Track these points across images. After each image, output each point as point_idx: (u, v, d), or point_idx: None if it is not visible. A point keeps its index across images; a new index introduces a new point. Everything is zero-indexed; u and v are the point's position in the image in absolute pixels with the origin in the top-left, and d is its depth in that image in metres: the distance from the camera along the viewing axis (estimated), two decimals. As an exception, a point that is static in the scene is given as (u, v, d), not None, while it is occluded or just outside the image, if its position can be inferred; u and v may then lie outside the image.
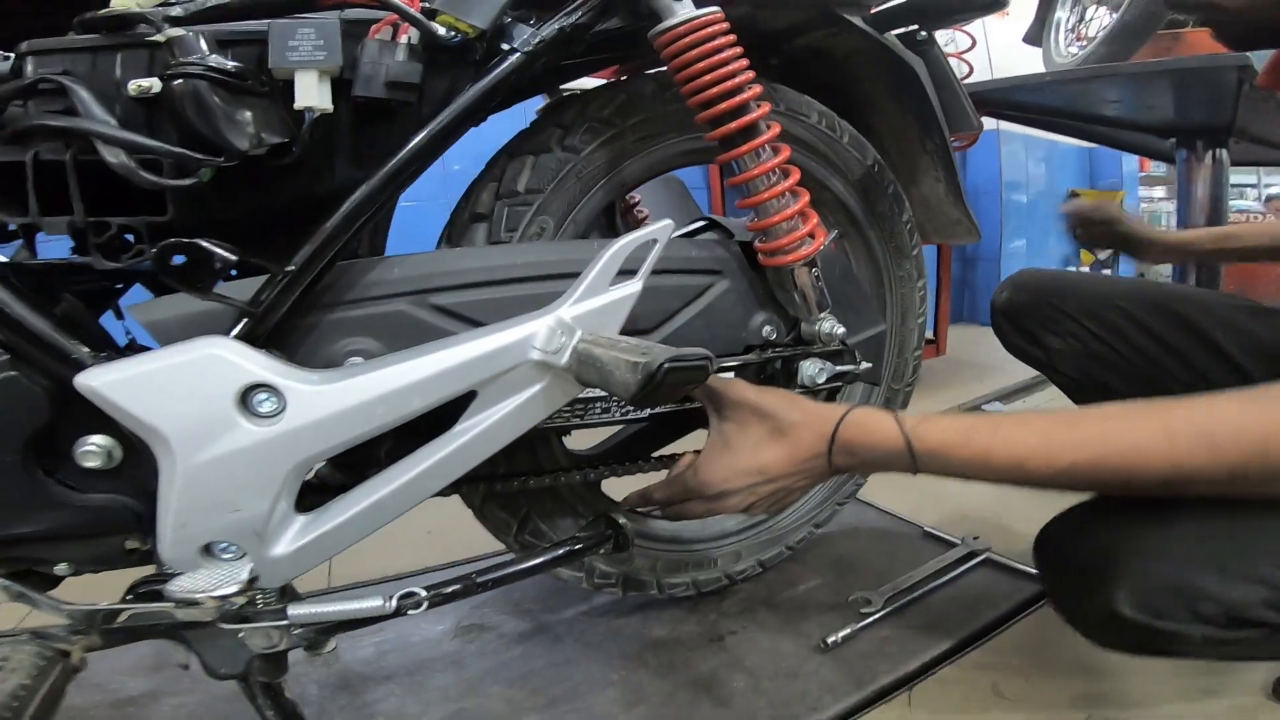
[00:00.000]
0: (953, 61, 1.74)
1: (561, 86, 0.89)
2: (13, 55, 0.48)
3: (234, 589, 0.45)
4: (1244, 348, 0.82)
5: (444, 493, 0.69)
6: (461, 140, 0.58)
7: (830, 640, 0.81)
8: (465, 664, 0.83)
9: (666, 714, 0.73)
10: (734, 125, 0.66)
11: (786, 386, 0.80)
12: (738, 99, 0.65)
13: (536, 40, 0.58)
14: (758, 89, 0.67)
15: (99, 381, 0.44)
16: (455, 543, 1.06)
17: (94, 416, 0.47)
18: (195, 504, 0.46)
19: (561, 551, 0.66)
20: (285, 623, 0.51)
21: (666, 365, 0.44)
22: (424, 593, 0.55)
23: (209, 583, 0.45)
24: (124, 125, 0.48)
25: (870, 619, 0.85)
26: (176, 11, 0.50)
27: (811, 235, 0.74)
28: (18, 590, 0.48)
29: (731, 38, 0.65)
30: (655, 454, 0.81)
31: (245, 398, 0.47)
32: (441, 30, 0.54)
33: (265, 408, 0.47)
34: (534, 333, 0.53)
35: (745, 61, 0.65)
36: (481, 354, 0.52)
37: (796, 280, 0.75)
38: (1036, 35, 1.76)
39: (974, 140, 1.69)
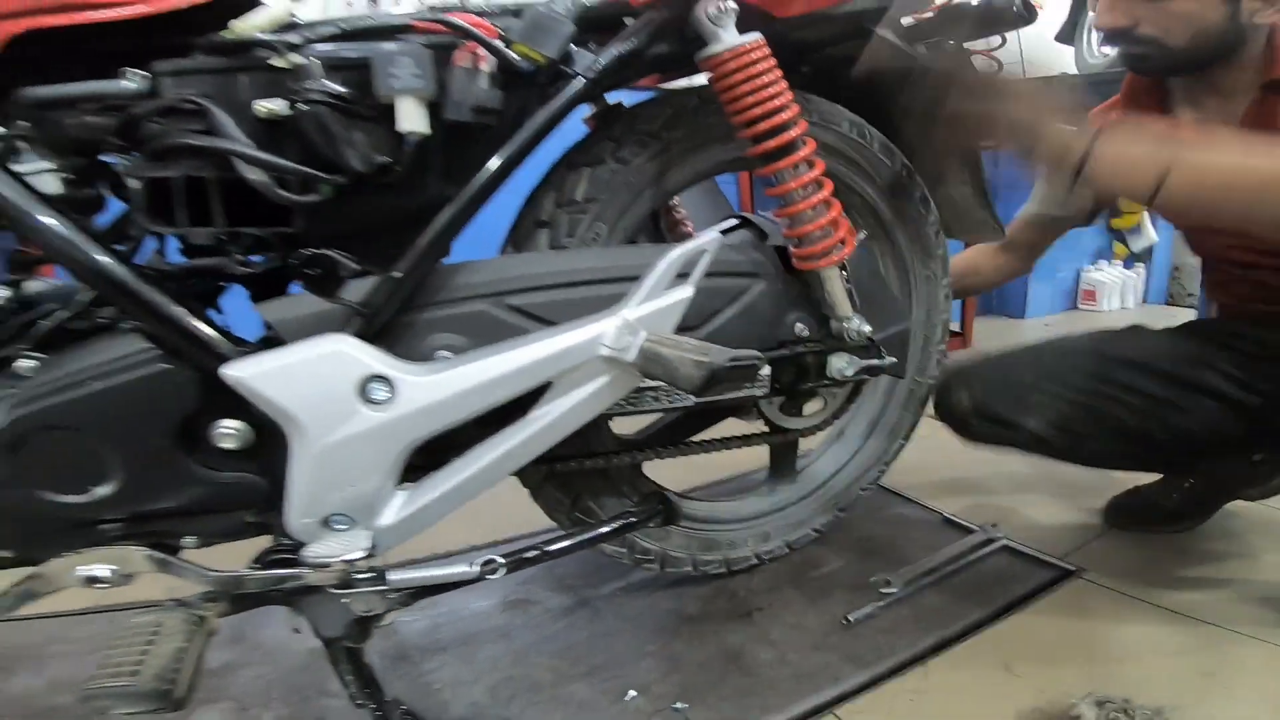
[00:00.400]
0: (981, 59, 1.81)
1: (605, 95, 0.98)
2: (147, 75, 0.57)
3: (359, 554, 0.55)
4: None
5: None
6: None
7: (852, 618, 0.91)
8: (513, 636, 0.93)
9: (699, 681, 0.83)
10: (773, 143, 0.75)
11: (817, 379, 0.89)
12: (777, 119, 0.74)
13: (597, 66, 0.67)
14: (795, 109, 0.76)
15: (245, 372, 0.54)
16: (496, 523, 1.17)
17: (229, 402, 0.57)
18: (322, 481, 0.56)
19: (619, 524, 0.76)
20: (384, 588, 0.61)
21: (728, 365, 0.54)
22: (503, 560, 0.65)
23: (338, 549, 0.56)
24: (255, 145, 0.57)
25: (890, 599, 0.95)
26: (295, 39, 0.59)
27: (842, 242, 0.83)
28: (161, 559, 0.58)
29: (772, 62, 0.73)
30: (693, 439, 0.91)
31: (364, 387, 0.57)
32: (516, 58, 0.64)
33: (378, 396, 0.57)
34: (604, 332, 0.63)
35: (784, 84, 0.74)
36: (559, 350, 0.62)
37: (827, 283, 0.85)
38: (1069, 35, 1.82)
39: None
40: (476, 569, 0.63)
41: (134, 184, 0.56)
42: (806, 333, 0.88)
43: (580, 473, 0.85)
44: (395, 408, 0.57)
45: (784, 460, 1.10)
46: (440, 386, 0.59)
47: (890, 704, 0.79)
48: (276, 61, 0.58)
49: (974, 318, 2.12)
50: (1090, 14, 1.76)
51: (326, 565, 0.54)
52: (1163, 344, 1.02)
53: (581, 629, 0.94)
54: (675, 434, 0.99)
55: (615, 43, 0.69)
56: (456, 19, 0.63)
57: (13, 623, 0.92)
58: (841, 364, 0.90)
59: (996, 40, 1.94)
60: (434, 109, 0.63)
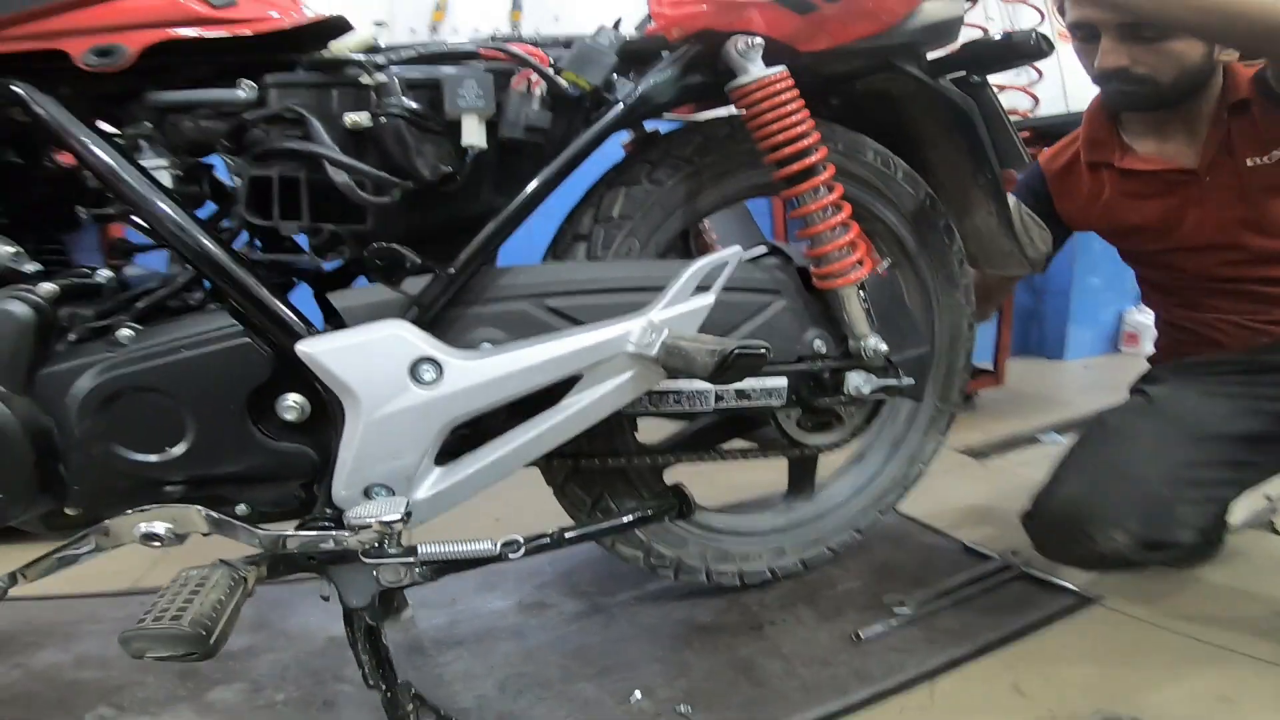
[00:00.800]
0: (1019, 95, 1.89)
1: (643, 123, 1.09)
2: (256, 86, 0.68)
3: (396, 516, 0.63)
4: None
5: (537, 464, 0.88)
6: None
7: (863, 635, 0.96)
8: (527, 635, 1.00)
9: (706, 688, 0.88)
10: (795, 168, 0.84)
11: (834, 395, 0.96)
12: (798, 145, 0.83)
13: (636, 95, 0.77)
14: (816, 136, 0.85)
15: (316, 349, 0.64)
16: (519, 528, 1.24)
17: (296, 378, 0.67)
18: (370, 451, 0.65)
19: (637, 515, 0.83)
20: (413, 560, 0.69)
21: (737, 351, 0.62)
22: (523, 540, 0.73)
23: (377, 510, 0.64)
24: (340, 151, 0.68)
25: (903, 620, 0.99)
26: (380, 59, 0.70)
27: (860, 263, 0.91)
28: (217, 518, 0.66)
29: (795, 93, 0.83)
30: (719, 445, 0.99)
31: (415, 368, 0.66)
32: (565, 84, 0.74)
33: (427, 377, 0.66)
34: (630, 330, 0.71)
35: (806, 113, 0.84)
36: (590, 344, 0.70)
37: (845, 302, 0.92)
38: None
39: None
40: (498, 548, 0.70)
41: (238, 180, 0.67)
42: (825, 349, 0.95)
43: (602, 472, 0.92)
44: (441, 387, 0.66)
45: (802, 478, 1.16)
46: (481, 371, 0.67)
47: (895, 719, 0.83)
48: (364, 79, 0.69)
49: (1007, 357, 2.15)
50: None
51: (367, 525, 0.61)
52: (1221, 405, 1.05)
53: (594, 633, 1.00)
54: (698, 442, 1.06)
55: (653, 73, 0.79)
56: (515, 48, 0.74)
57: (48, 601, 1.02)
58: (858, 382, 0.96)
59: (1034, 74, 2.02)
60: (491, 127, 0.74)
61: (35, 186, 0.72)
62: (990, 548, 1.19)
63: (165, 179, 0.70)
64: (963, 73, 1.07)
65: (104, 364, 0.62)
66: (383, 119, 0.68)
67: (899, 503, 1.20)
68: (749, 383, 0.89)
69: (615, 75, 0.79)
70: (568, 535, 0.78)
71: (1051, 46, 0.95)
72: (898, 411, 1.23)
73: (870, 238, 1.14)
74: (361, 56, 0.69)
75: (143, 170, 0.64)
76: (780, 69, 0.82)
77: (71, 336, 0.64)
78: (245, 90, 0.68)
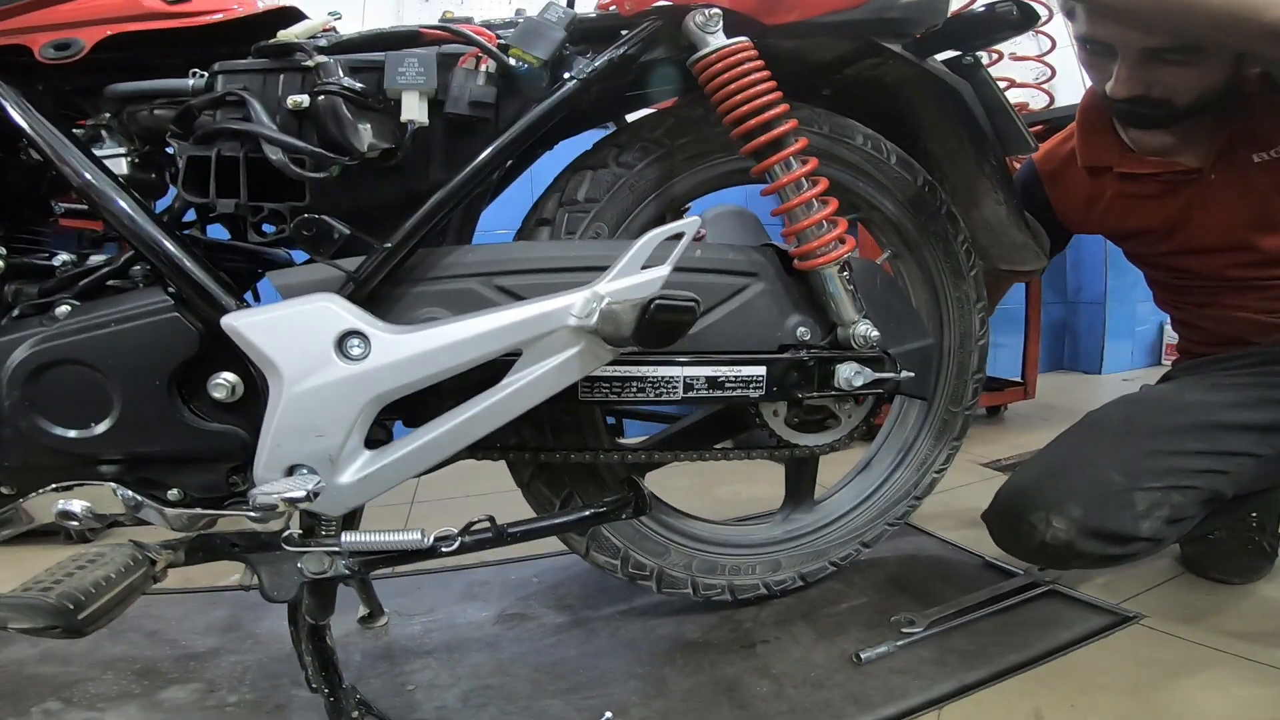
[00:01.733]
0: (1033, 92, 1.80)
1: (627, 117, 1.06)
2: (206, 74, 0.69)
3: (301, 494, 0.59)
4: None
5: (494, 457, 0.83)
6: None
7: (864, 655, 0.85)
8: (501, 647, 0.93)
9: (684, 709, 0.80)
10: (762, 139, 0.79)
11: (823, 389, 0.88)
12: (764, 115, 0.78)
13: (590, 69, 0.74)
14: (784, 107, 0.80)
15: (239, 322, 0.62)
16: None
17: (227, 356, 0.64)
18: (291, 427, 0.62)
19: (588, 514, 0.77)
20: (337, 549, 0.65)
21: (656, 301, 0.56)
22: (456, 532, 0.68)
23: (282, 489, 0.59)
24: (281, 131, 0.67)
25: (910, 639, 0.88)
26: (322, 43, 0.70)
27: (841, 241, 0.85)
28: (133, 499, 0.63)
29: (759, 63, 0.78)
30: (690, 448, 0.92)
31: (342, 342, 0.63)
32: (512, 61, 0.72)
33: (355, 352, 0.63)
34: (573, 303, 0.66)
35: (773, 83, 0.79)
36: (528, 317, 0.66)
37: (828, 284, 0.86)
38: None
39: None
40: (429, 540, 0.65)
41: (180, 162, 0.67)
42: (809, 337, 0.88)
43: (569, 469, 0.87)
44: (367, 362, 0.63)
45: (800, 486, 1.07)
46: (411, 344, 0.64)
47: (892, 747, 0.73)
48: (306, 62, 0.69)
49: (1037, 369, 2.00)
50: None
51: (272, 504, 0.57)
52: (1218, 395, 0.96)
53: (572, 646, 0.93)
54: (676, 443, 0.99)
55: (609, 49, 0.77)
56: (461, 27, 0.73)
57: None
58: (849, 374, 0.89)
59: (1045, 71, 1.94)
60: (438, 106, 0.72)
61: (9, 178, 0.74)
62: (1015, 564, 1.06)
63: (123, 166, 0.71)
64: (954, 53, 1.02)
65: (36, 338, 0.62)
66: (320, 98, 0.67)
67: (910, 515, 1.09)
68: (722, 370, 0.83)
69: (571, 52, 0.77)
70: (510, 531, 0.72)
71: (1033, 17, 0.88)
72: (906, 415, 1.14)
73: (867, 227, 1.08)
74: (304, 40, 0.69)
75: (87, 153, 0.65)
76: (742, 39, 0.79)
77: (15, 313, 0.64)
78: (194, 78, 0.69)
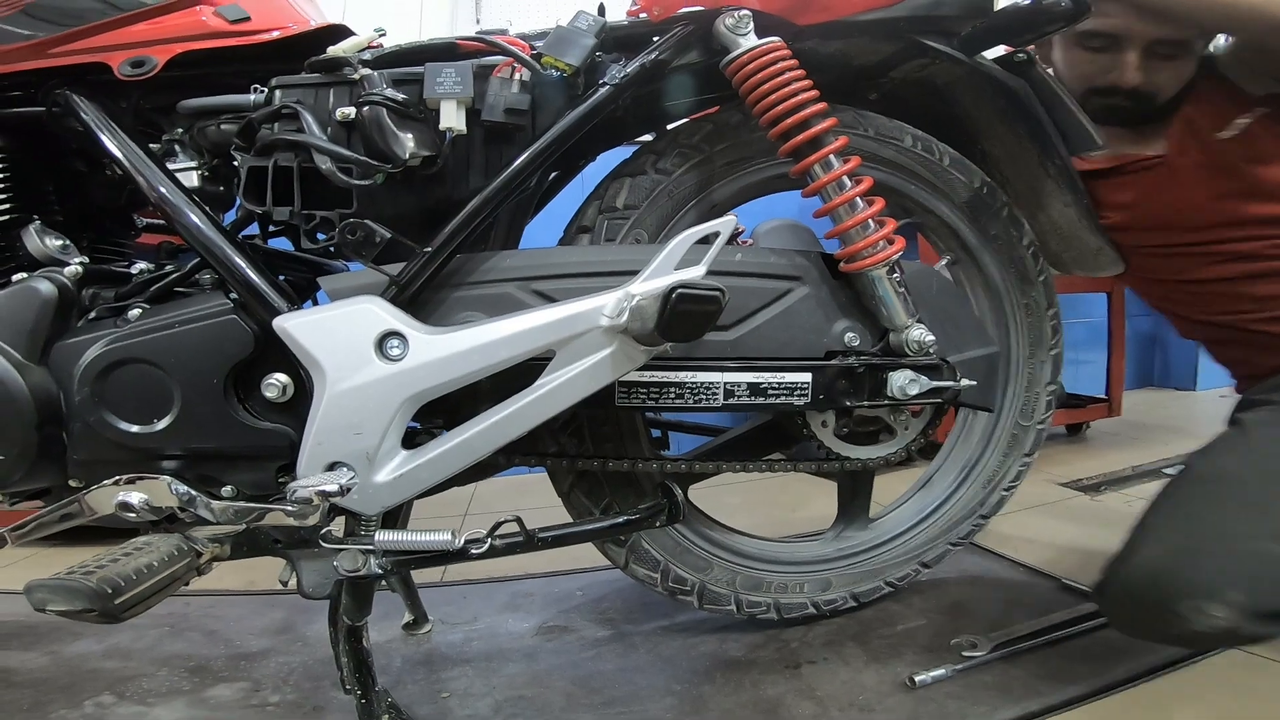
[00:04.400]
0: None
1: (669, 126, 1.06)
2: (265, 89, 0.73)
3: (334, 488, 0.59)
4: None
5: (532, 463, 0.83)
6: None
7: (918, 679, 0.78)
8: (539, 658, 0.91)
9: (719, 728, 0.75)
10: (800, 139, 0.77)
11: (875, 398, 0.83)
12: (801, 114, 0.76)
13: (622, 75, 0.74)
14: (822, 106, 0.77)
15: (289, 324, 0.64)
16: (561, 555, 1.17)
17: (280, 358, 0.66)
18: (332, 425, 0.63)
19: (621, 520, 0.75)
20: (371, 547, 0.65)
21: (678, 291, 0.54)
22: (486, 535, 0.66)
23: (317, 482, 0.60)
24: (331, 141, 0.70)
25: (971, 663, 0.80)
26: (367, 56, 0.73)
27: (889, 241, 0.80)
28: (186, 493, 0.64)
29: (793, 62, 0.76)
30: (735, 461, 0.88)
31: (382, 343, 0.64)
32: (545, 69, 0.73)
33: (394, 352, 0.64)
34: (605, 303, 0.65)
35: (808, 82, 0.76)
36: (560, 318, 0.65)
37: (876, 286, 0.81)
38: None
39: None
40: (460, 542, 0.64)
41: (241, 173, 0.71)
42: (858, 343, 0.83)
43: (608, 478, 0.85)
44: (405, 361, 0.63)
45: (854, 502, 1.01)
46: (447, 344, 0.64)
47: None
48: (353, 75, 0.71)
49: (1123, 384, 1.84)
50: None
51: (307, 499, 0.58)
52: None
53: (610, 661, 0.90)
54: (720, 454, 0.96)
55: (641, 55, 0.76)
56: (496, 38, 0.74)
57: None
58: (903, 381, 0.83)
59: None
60: (475, 115, 0.73)
61: (97, 192, 0.80)
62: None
63: (193, 179, 0.75)
64: (1005, 51, 0.96)
65: (109, 338, 0.66)
66: (365, 109, 0.69)
67: (976, 534, 1.01)
68: (765, 377, 0.79)
69: (604, 59, 0.77)
70: (541, 536, 0.71)
71: (1084, 7, 0.83)
72: (971, 429, 1.06)
73: (923, 232, 1.03)
74: (350, 55, 0.72)
75: (161, 167, 0.69)
76: (774, 39, 0.77)
77: (91, 315, 0.69)
78: (254, 94, 0.73)
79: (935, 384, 0.85)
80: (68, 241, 0.74)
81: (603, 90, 0.74)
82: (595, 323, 0.65)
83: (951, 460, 1.05)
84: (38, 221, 0.73)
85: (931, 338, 0.83)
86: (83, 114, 0.70)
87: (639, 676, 0.86)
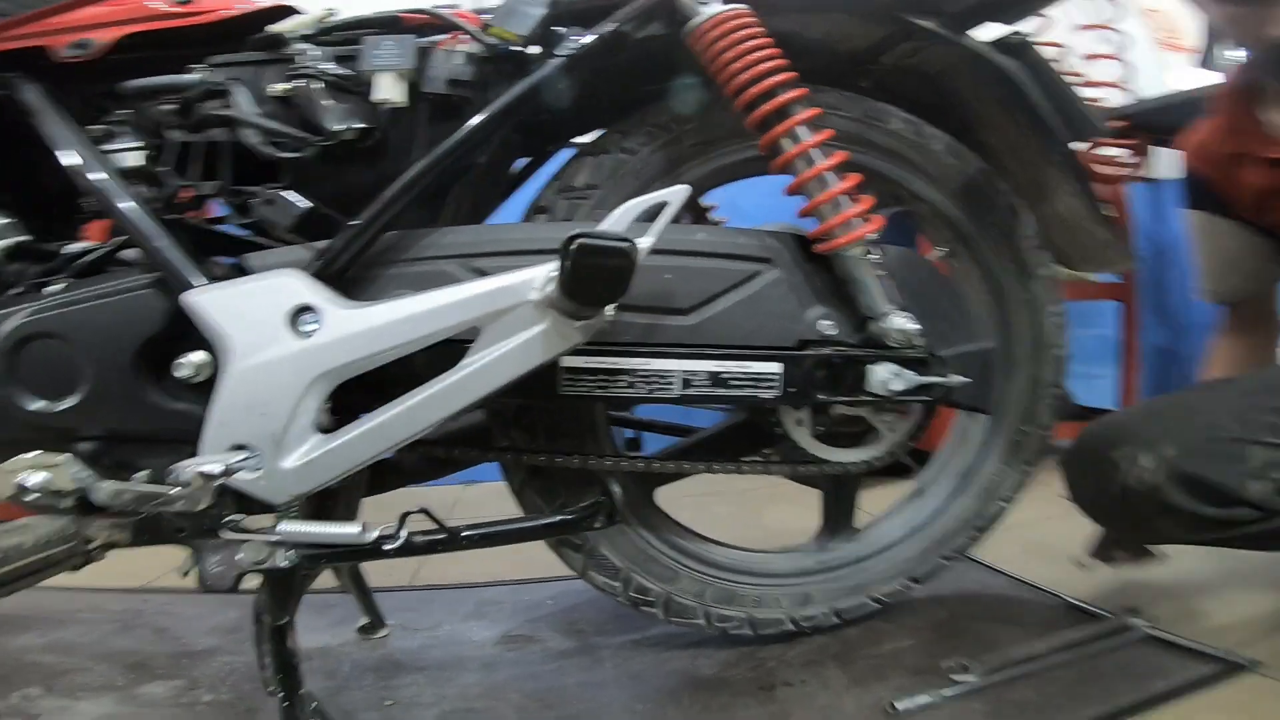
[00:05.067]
0: (1115, 92, 1.58)
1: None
2: (205, 68, 0.69)
3: (218, 468, 0.53)
4: None
5: (490, 458, 0.76)
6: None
7: (900, 706, 0.68)
8: (497, 669, 0.83)
9: (678, 755, 0.66)
10: (766, 108, 0.69)
11: (853, 393, 0.75)
12: (768, 82, 0.69)
13: (577, 47, 0.68)
14: (791, 75, 0.70)
15: (196, 298, 0.58)
16: (535, 563, 1.09)
17: (200, 337, 0.61)
18: (236, 403, 0.57)
19: (555, 519, 0.67)
20: (275, 538, 0.58)
21: (578, 240, 0.47)
22: (404, 533, 0.60)
23: (200, 462, 0.54)
24: (267, 118, 0.66)
25: (962, 689, 0.70)
26: (307, 32, 0.69)
27: (866, 219, 0.72)
28: (85, 473, 0.57)
29: (759, 29, 0.69)
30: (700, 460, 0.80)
31: (295, 317, 0.58)
32: (493, 40, 0.67)
33: (307, 327, 0.58)
34: (534, 276, 0.58)
35: (775, 51, 0.70)
36: (486, 291, 0.58)
37: (852, 268, 0.73)
38: (1209, 60, 1.55)
39: (1139, 170, 1.48)
40: (371, 536, 0.57)
41: (172, 149, 0.67)
42: (834, 332, 0.75)
43: (564, 478, 0.77)
44: (316, 337, 0.57)
45: (838, 511, 0.91)
46: (363, 319, 0.58)
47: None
48: (288, 51, 0.67)
49: (1136, 398, 1.69)
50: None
51: (188, 480, 0.52)
52: None
53: (572, 674, 0.81)
54: (687, 454, 0.87)
55: (600, 26, 0.71)
56: (442, 11, 0.69)
57: (63, 591, 1.01)
58: (885, 376, 0.75)
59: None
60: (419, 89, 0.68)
61: (50, 177, 0.77)
62: (1106, 607, 0.84)
63: (139, 159, 0.71)
64: (1004, 31, 0.88)
65: (23, 312, 0.61)
66: (298, 83, 0.65)
67: (972, 547, 0.90)
68: (727, 366, 0.71)
69: (561, 32, 0.71)
70: (465, 535, 0.63)
71: None
72: (968, 434, 0.96)
73: (915, 222, 0.94)
74: (288, 32, 0.68)
75: (85, 143, 0.66)
76: (738, 6, 0.70)
77: (15, 290, 0.65)
78: (195, 73, 0.69)
79: (923, 380, 0.76)
80: (14, 220, 0.70)
81: (554, 62, 0.68)
82: (523, 297, 0.58)
83: (946, 468, 0.95)
84: (-19, 200, 0.70)
85: (916, 326, 0.74)
86: (24, 95, 0.67)
87: (600, 692, 0.77)
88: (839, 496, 0.92)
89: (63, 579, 0.69)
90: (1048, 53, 0.90)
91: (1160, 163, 1.89)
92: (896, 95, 0.90)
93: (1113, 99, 1.56)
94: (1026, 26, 0.90)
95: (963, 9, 0.81)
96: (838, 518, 0.91)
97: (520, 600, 1.02)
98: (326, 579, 0.88)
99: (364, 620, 0.91)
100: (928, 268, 0.82)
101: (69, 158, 0.64)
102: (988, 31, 0.88)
